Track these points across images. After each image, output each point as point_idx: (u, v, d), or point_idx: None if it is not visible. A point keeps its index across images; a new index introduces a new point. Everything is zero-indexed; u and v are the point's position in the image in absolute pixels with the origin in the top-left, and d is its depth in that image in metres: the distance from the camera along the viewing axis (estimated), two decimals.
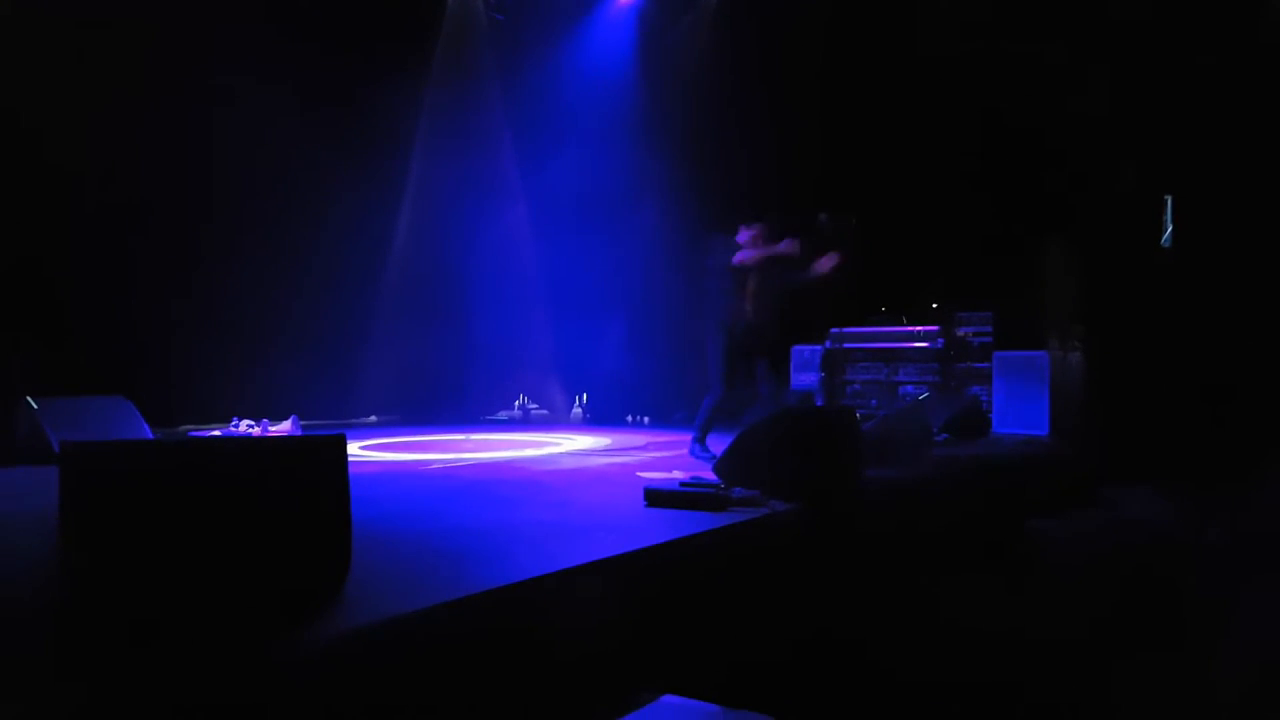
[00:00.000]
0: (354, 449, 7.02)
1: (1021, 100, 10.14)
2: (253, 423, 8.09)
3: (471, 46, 11.67)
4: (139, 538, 2.38)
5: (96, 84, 7.44)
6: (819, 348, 11.32)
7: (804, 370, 11.35)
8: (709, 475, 4.80)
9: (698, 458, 6.43)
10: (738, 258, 6.69)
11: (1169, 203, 10.17)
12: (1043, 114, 9.99)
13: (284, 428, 8.10)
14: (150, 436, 5.95)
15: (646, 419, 11.52)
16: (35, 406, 5.60)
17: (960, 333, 10.78)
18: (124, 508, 2.39)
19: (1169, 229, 10.13)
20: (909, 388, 10.91)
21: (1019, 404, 9.40)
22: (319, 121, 9.12)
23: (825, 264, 6.82)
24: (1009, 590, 4.80)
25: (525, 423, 11.28)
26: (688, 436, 6.85)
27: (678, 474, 5.47)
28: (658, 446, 7.90)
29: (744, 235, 7.04)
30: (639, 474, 5.69)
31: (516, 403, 12.06)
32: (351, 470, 2.90)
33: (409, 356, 10.67)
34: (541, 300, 12.08)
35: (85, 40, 7.39)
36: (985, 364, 10.21)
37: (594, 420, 11.62)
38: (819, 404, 10.42)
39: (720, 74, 12.08)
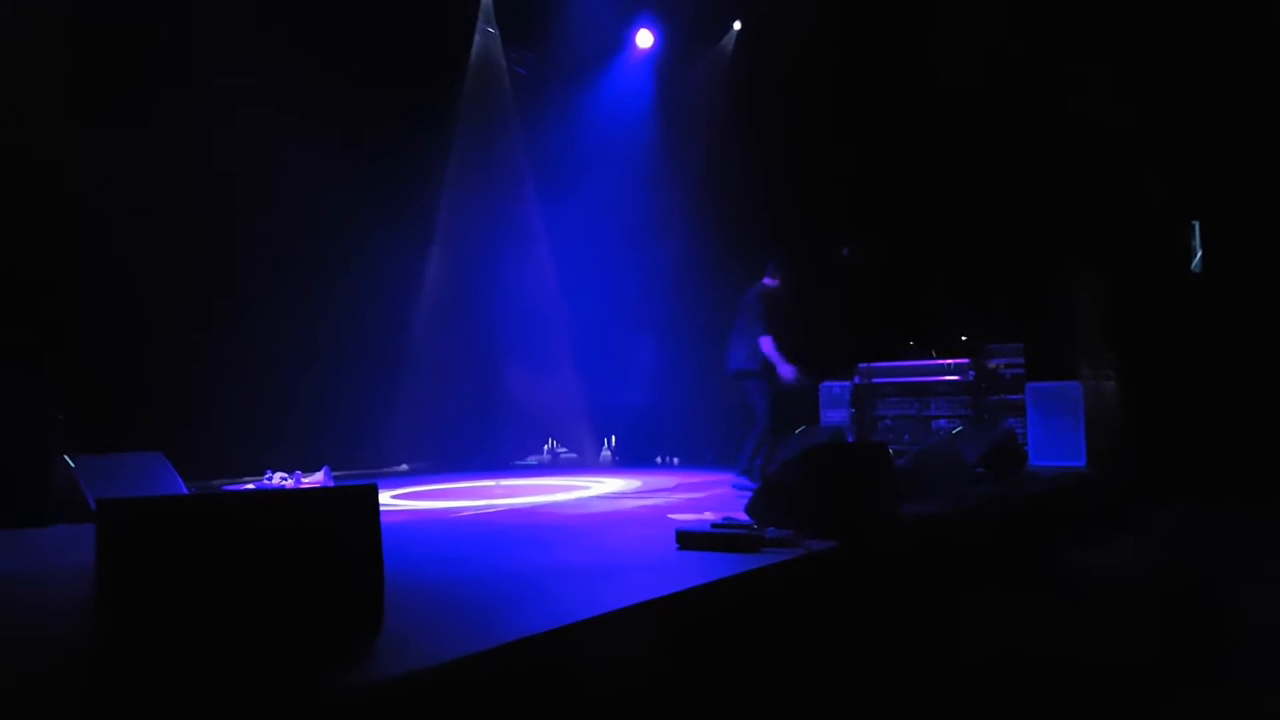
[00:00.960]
0: (385, 498, 7.03)
1: (1047, 127, 10.13)
2: (285, 475, 8.13)
3: (495, 96, 11.86)
4: (174, 591, 2.39)
5: (125, 127, 7.60)
6: (848, 383, 11.24)
7: (834, 406, 11.27)
8: (741, 516, 4.75)
9: (742, 489, 6.45)
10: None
11: (1196, 228, 10.09)
12: (1069, 141, 9.98)
13: (316, 479, 8.13)
14: (185, 491, 5.98)
15: (676, 459, 11.48)
16: (72, 464, 5.66)
17: (991, 365, 10.68)
18: (159, 562, 2.40)
19: (1198, 254, 10.04)
20: (942, 422, 10.80)
21: (1054, 435, 9.27)
22: (348, 172, 9.26)
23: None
24: (1049, 619, 4.70)
25: (555, 467, 11.27)
26: (718, 476, 6.82)
27: (709, 515, 5.43)
28: (688, 487, 7.85)
29: (771, 280, 7.47)
30: (670, 516, 5.65)
31: (545, 447, 12.06)
32: (383, 519, 2.90)
33: (438, 404, 10.72)
34: (567, 343, 12.13)
35: (117, 83, 7.57)
36: (1018, 396, 10.09)
37: (623, 462, 11.59)
38: (850, 440, 10.34)
39: (739, 112, 12.20)
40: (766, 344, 7.17)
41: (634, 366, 12.06)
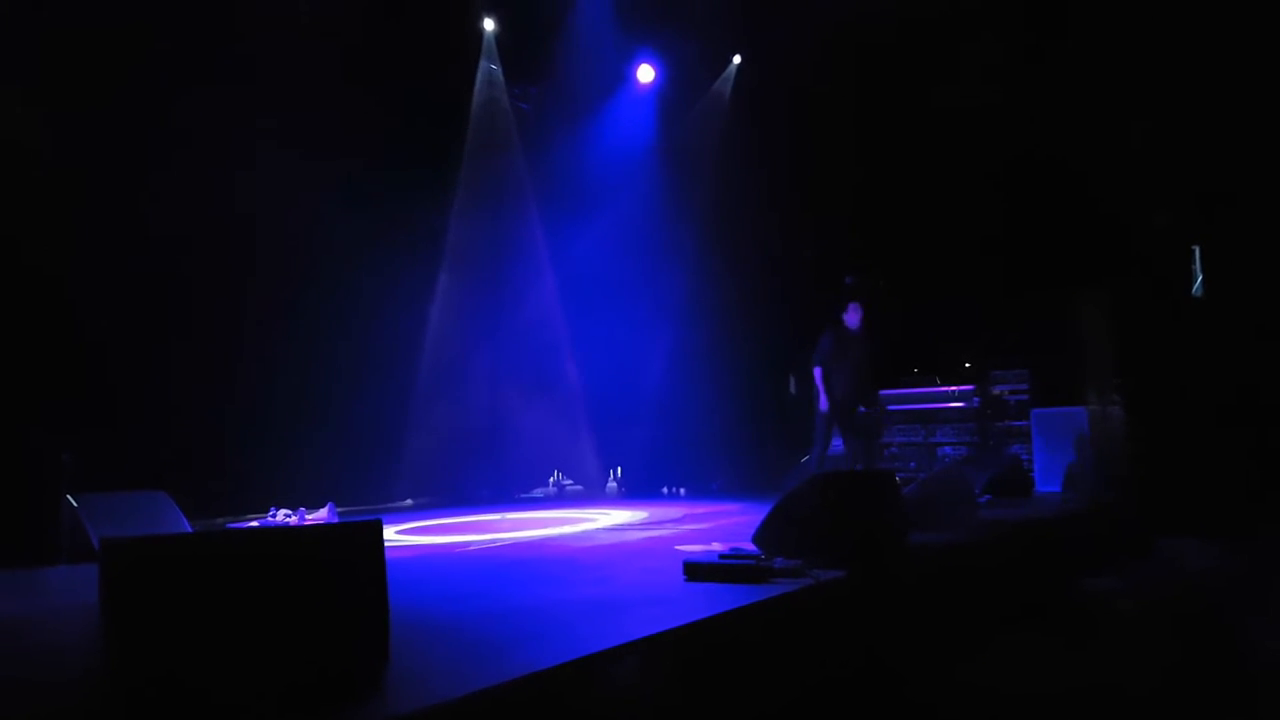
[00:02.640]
0: (391, 534, 7.00)
1: (1054, 153, 10.18)
2: (290, 512, 8.11)
3: (499, 130, 11.95)
4: (179, 631, 2.37)
5: (129, 162, 7.65)
6: None
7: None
8: (748, 546, 4.72)
9: None
10: None
11: (1197, 253, 10.10)
12: (1077, 167, 10.02)
13: (320, 515, 8.10)
14: (188, 530, 5.96)
15: (682, 490, 11.44)
16: (75, 504, 5.64)
17: (996, 391, 10.66)
18: (164, 602, 2.39)
19: (1199, 278, 10.04)
20: (947, 449, 10.77)
21: (1060, 461, 9.23)
22: (353, 210, 9.31)
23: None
24: (1067, 650, 4.65)
25: (560, 499, 11.22)
26: (725, 506, 6.81)
27: (716, 546, 5.40)
28: (695, 518, 7.81)
29: (852, 315, 8.72)
30: (677, 547, 5.62)
31: (551, 479, 12.03)
32: (389, 555, 2.88)
33: (443, 439, 10.69)
34: (573, 375, 12.13)
35: (125, 120, 7.63)
36: (1023, 422, 10.07)
37: (629, 493, 11.55)
38: (857, 468, 10.31)
39: (741, 144, 12.29)
40: (817, 374, 8.58)
41: (639, 397, 12.06)
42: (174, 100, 7.88)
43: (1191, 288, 10.11)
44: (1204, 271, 10.04)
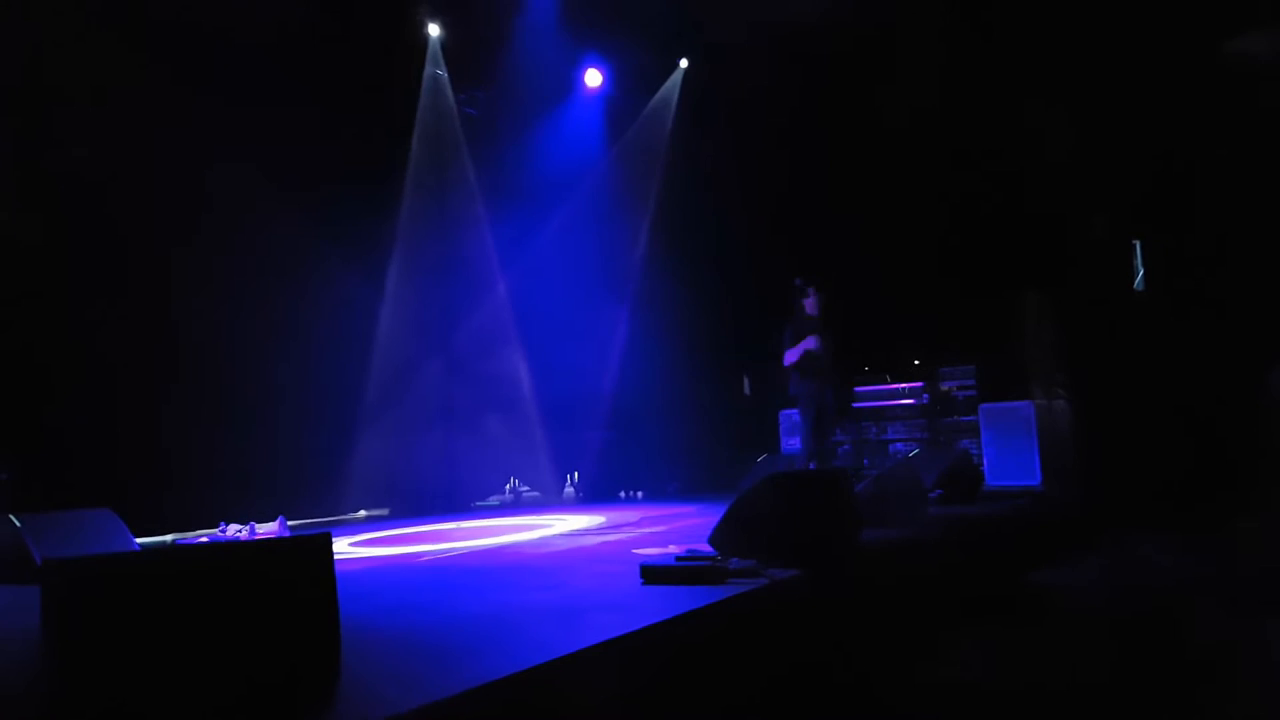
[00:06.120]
0: (343, 545, 6.92)
1: (996, 154, 10.36)
2: (240, 526, 7.98)
3: (446, 137, 11.86)
4: (124, 652, 2.33)
5: (79, 174, 7.50)
6: None
7: (792, 434, 11.34)
8: (704, 548, 4.75)
9: None
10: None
11: (1138, 247, 10.34)
12: (1019, 167, 10.21)
13: (271, 529, 7.99)
14: (135, 548, 5.84)
15: (640, 493, 11.45)
16: (18, 523, 5.50)
17: (944, 387, 10.83)
18: (108, 623, 2.34)
19: (1140, 273, 10.28)
20: (898, 445, 10.92)
21: (1008, 455, 9.40)
22: (297, 218, 9.18)
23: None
24: (1019, 644, 4.73)
25: (517, 506, 11.18)
26: (682, 509, 6.82)
27: (673, 548, 5.41)
28: (652, 521, 7.83)
29: (810, 303, 8.53)
30: (634, 551, 5.63)
31: (507, 486, 11.97)
32: (341, 568, 2.85)
33: (396, 448, 10.59)
34: (527, 381, 12.08)
35: (67, 130, 7.46)
36: (971, 417, 10.24)
37: (587, 498, 11.54)
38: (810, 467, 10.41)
39: (689, 147, 12.35)
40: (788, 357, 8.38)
41: (595, 402, 12.05)
42: (119, 111, 7.74)
43: (1133, 283, 10.34)
44: (1145, 266, 10.28)
